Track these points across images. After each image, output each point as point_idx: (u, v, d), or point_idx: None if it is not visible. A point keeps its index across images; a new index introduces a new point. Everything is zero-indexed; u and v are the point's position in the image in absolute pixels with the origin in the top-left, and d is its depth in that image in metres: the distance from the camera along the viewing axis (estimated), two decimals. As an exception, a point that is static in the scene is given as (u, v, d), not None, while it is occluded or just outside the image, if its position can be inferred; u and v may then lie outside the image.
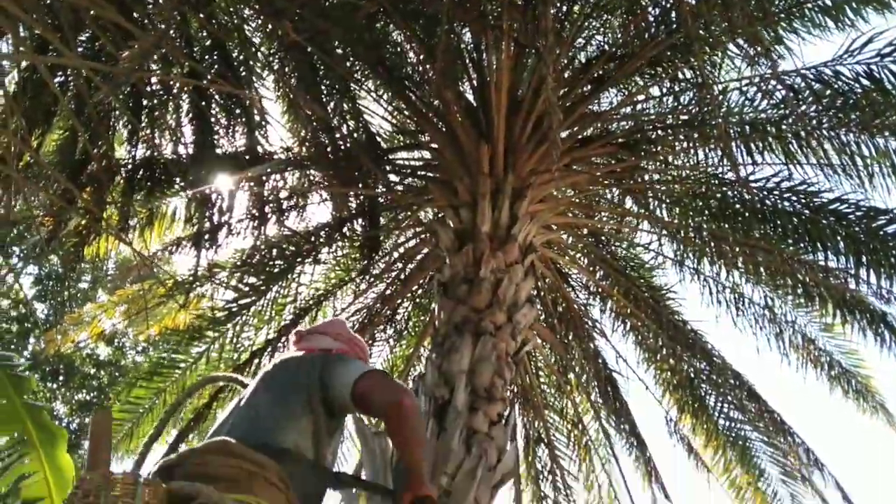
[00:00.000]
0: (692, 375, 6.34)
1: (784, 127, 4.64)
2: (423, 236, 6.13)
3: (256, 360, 6.01)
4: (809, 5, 4.83)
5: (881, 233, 4.80)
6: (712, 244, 5.37)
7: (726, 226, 5.20)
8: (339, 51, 5.11)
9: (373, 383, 2.21)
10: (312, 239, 6.05)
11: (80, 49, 4.52)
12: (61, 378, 10.46)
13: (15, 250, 8.61)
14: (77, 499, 1.71)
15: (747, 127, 4.72)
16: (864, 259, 4.85)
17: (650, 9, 5.05)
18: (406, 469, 2.07)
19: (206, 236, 5.86)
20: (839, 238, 4.88)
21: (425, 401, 4.19)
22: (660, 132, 5.20)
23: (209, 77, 4.70)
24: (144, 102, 5.31)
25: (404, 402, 2.18)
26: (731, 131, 4.61)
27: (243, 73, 5.01)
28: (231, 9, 5.04)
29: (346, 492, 4.40)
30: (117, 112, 5.28)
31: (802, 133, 4.63)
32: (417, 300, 6.89)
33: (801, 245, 5.15)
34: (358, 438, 4.79)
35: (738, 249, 5.25)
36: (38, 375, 9.50)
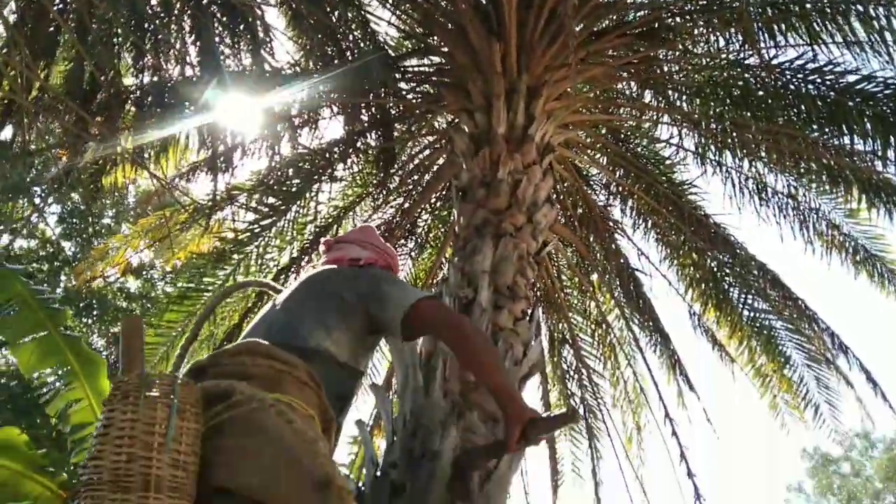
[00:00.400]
0: (715, 269, 6.25)
1: (808, 5, 4.36)
2: (438, 145, 5.99)
3: (282, 279, 5.99)
4: None
5: (912, 112, 4.73)
6: (734, 134, 5.20)
7: (748, 114, 4.98)
8: None
9: (433, 310, 2.17)
10: (327, 155, 5.94)
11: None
12: (95, 313, 10.61)
13: (36, 190, 8.66)
14: (116, 400, 1.71)
15: (769, 8, 4.43)
16: (892, 139, 4.61)
17: None
18: (495, 394, 2.00)
19: (221, 159, 5.83)
20: (866, 119, 4.65)
21: (449, 301, 4.13)
22: (677, 19, 4.93)
23: None
24: (146, 25, 5.19)
25: (466, 326, 2.12)
26: (752, 12, 4.33)
27: None
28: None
29: (380, 395, 4.46)
30: (121, 38, 5.18)
31: (828, 10, 4.33)
32: (436, 212, 6.81)
33: (827, 129, 4.95)
34: (387, 342, 4.86)
35: (760, 138, 5.07)
36: (73, 311, 9.54)
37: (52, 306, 4.39)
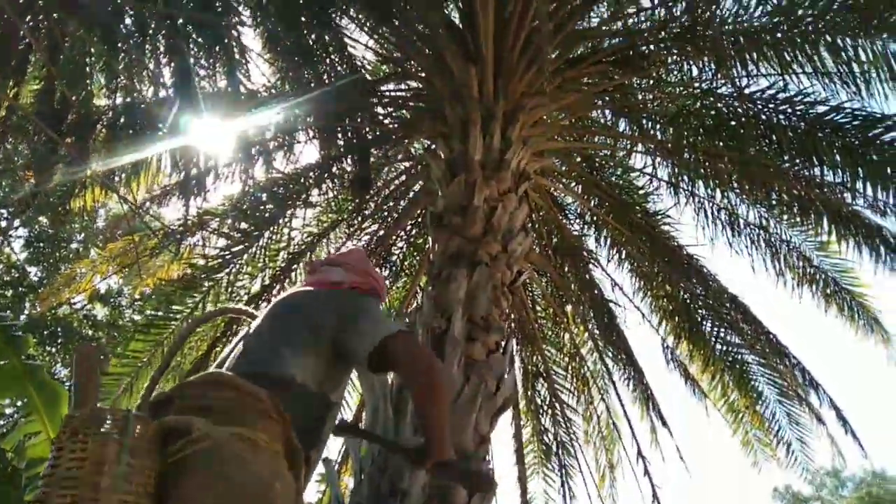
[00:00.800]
0: (688, 301, 6.22)
1: (779, 34, 4.36)
2: (414, 170, 5.96)
3: (252, 307, 5.96)
4: None
5: (878, 141, 4.59)
6: (707, 163, 5.20)
7: (721, 143, 5.01)
8: None
9: (402, 348, 2.03)
10: (302, 180, 5.84)
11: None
12: (59, 341, 10.34)
13: (2, 212, 8.38)
14: (65, 437, 1.57)
15: (741, 37, 4.44)
16: (860, 171, 4.65)
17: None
18: (430, 437, 1.93)
19: (194, 182, 5.68)
20: (835, 150, 4.68)
21: (422, 332, 4.00)
22: (652, 47, 4.92)
23: (188, 8, 4.46)
24: (120, 45, 5.07)
25: (434, 368, 2.02)
26: (725, 41, 4.34)
27: (219, 5, 4.76)
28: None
29: (349, 439, 4.35)
30: (93, 58, 5.05)
31: (798, 39, 4.35)
32: (411, 239, 6.73)
33: (797, 160, 4.96)
34: (357, 373, 4.71)
35: (732, 167, 5.07)
36: (37, 339, 9.21)
37: (14, 333, 4.19)
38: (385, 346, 1.97)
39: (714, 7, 4.63)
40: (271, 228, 5.84)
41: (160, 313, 6.13)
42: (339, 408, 2.18)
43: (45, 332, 9.94)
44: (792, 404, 6.57)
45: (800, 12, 4.37)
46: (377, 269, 2.46)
